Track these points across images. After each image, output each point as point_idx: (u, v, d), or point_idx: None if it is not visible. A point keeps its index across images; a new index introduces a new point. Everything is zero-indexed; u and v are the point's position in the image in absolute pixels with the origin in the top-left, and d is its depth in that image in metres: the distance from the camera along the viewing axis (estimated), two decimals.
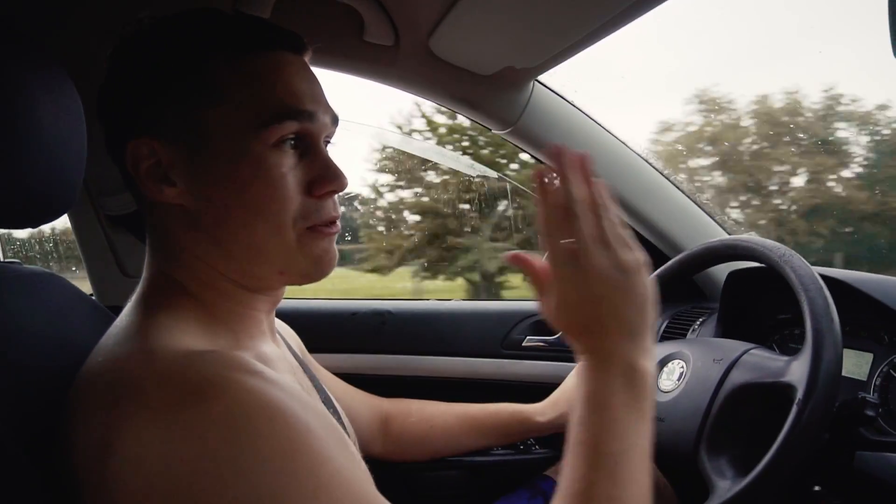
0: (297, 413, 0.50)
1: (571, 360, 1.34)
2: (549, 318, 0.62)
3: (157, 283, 0.64)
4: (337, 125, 0.67)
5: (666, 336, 1.27)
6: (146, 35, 0.62)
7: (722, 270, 1.15)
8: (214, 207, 0.61)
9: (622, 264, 0.57)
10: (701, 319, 1.24)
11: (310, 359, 0.95)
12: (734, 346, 0.87)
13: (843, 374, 0.96)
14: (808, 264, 0.81)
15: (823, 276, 0.83)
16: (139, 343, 0.56)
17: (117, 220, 1.30)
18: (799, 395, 0.71)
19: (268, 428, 0.48)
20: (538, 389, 1.25)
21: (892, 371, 0.91)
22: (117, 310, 0.66)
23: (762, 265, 0.88)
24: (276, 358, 0.68)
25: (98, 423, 0.51)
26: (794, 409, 0.71)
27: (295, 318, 1.03)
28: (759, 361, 0.82)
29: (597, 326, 0.58)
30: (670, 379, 0.91)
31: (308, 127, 0.62)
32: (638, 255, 0.59)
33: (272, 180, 0.60)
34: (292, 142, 0.62)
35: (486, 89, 1.12)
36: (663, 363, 0.94)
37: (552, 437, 1.33)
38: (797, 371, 0.75)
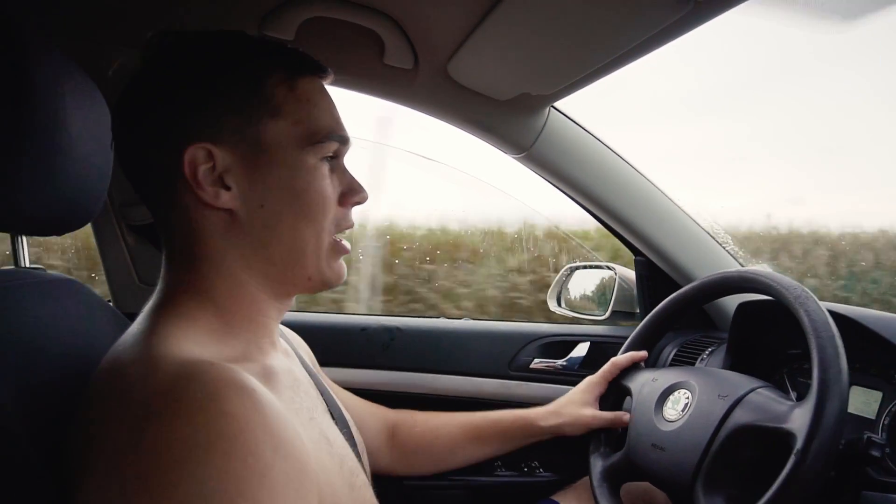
0: (260, 451, 0.50)
1: (578, 384, 1.34)
2: None
3: (172, 293, 0.66)
4: (351, 146, 0.75)
5: (675, 363, 1.27)
6: (196, 47, 0.66)
7: (733, 301, 1.14)
8: (266, 212, 0.65)
9: None
10: (710, 349, 1.24)
11: (320, 371, 0.96)
12: (740, 383, 0.87)
13: (852, 411, 0.96)
14: (823, 308, 0.80)
15: (836, 314, 0.82)
16: (143, 351, 0.58)
17: (137, 230, 1.33)
18: (798, 445, 0.71)
19: (223, 462, 0.47)
20: None
21: None
22: (134, 316, 0.67)
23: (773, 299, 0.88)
24: (281, 371, 0.69)
25: (90, 429, 0.53)
26: (792, 458, 0.71)
27: (305, 331, 1.04)
28: (763, 402, 0.82)
29: None
30: (675, 409, 0.91)
31: (341, 148, 0.71)
32: None
33: (322, 189, 0.68)
34: (328, 158, 0.69)
35: (502, 114, 1.13)
36: (670, 391, 0.94)
37: (557, 461, 1.33)
38: (799, 419, 0.74)
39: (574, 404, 1.09)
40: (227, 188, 0.64)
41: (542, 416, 1.10)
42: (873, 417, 0.93)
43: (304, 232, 0.67)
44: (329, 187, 0.69)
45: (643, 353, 1.08)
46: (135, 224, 1.32)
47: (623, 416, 1.03)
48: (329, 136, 0.68)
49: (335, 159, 0.71)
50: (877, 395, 0.94)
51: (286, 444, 0.54)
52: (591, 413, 1.06)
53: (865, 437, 0.78)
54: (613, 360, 1.09)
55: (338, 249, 0.71)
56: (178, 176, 0.63)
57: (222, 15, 0.94)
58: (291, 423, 0.56)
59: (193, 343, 0.60)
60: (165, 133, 0.64)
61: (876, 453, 0.76)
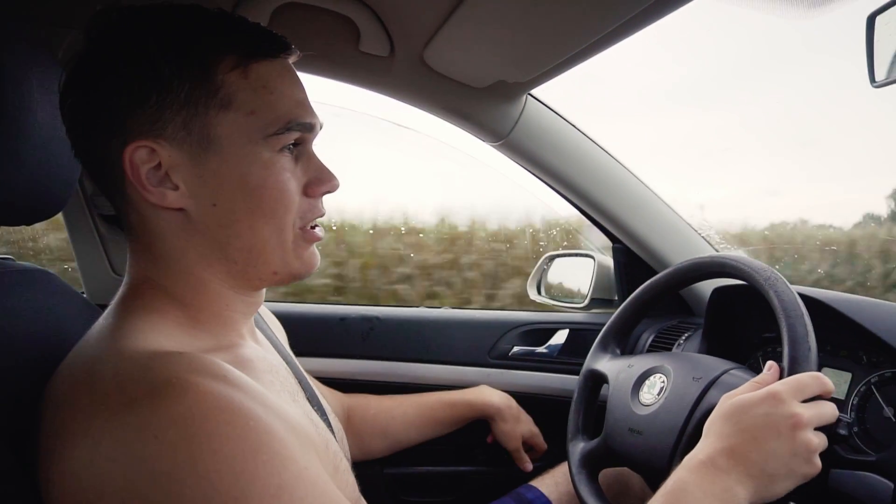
0: (258, 415, 0.51)
1: (558, 370, 1.35)
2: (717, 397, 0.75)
3: (138, 287, 0.65)
4: (321, 129, 0.70)
5: (652, 349, 1.29)
6: (139, 27, 0.60)
7: (708, 286, 1.16)
8: (219, 210, 0.62)
9: (812, 445, 0.66)
10: (686, 334, 1.25)
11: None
12: (714, 365, 0.88)
13: None
14: (792, 289, 0.81)
15: (806, 297, 0.84)
16: (110, 344, 0.57)
17: (110, 219, 1.31)
18: None
19: (227, 429, 0.48)
20: (525, 399, 1.26)
21: (870, 390, 0.93)
22: (107, 308, 0.67)
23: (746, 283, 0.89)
24: (256, 358, 0.68)
25: (58, 421, 0.52)
26: None
27: (284, 321, 1.04)
28: (736, 383, 0.83)
29: (748, 455, 0.66)
30: (650, 393, 0.92)
31: (306, 135, 0.66)
32: (823, 445, 0.68)
33: (281, 184, 0.63)
34: (291, 147, 0.64)
35: (479, 102, 1.13)
36: (646, 376, 0.95)
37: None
38: None
39: (519, 428, 1.23)
40: (176, 187, 0.60)
41: (496, 405, 1.21)
42: (843, 398, 0.95)
43: (262, 230, 0.63)
44: (290, 181, 0.64)
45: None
46: (107, 213, 1.30)
47: (528, 464, 1.24)
48: (288, 126, 0.62)
49: (300, 146, 0.66)
50: (846, 376, 0.96)
51: (276, 409, 0.55)
52: (519, 445, 1.23)
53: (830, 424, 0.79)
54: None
55: (307, 238, 0.67)
56: (124, 173, 0.59)
57: None
58: (274, 400, 0.57)
59: (161, 335, 0.59)
60: (104, 125, 0.60)
61: (843, 432, 0.78)
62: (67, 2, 0.91)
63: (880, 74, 0.71)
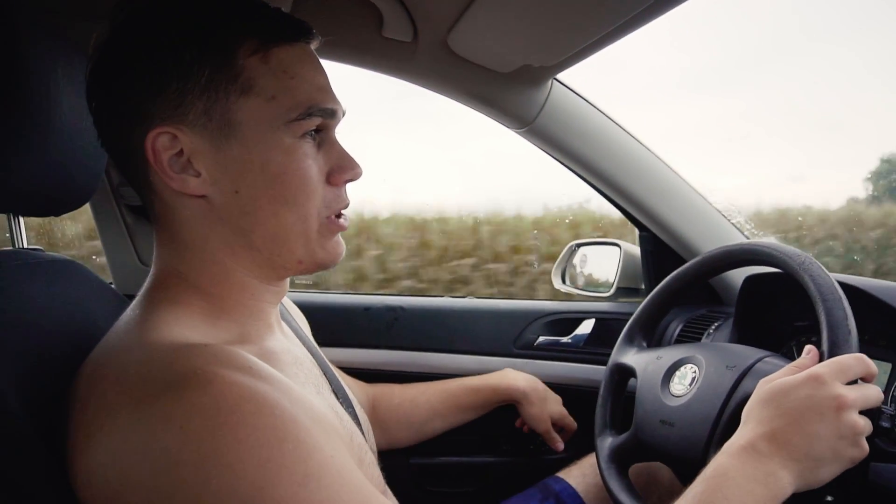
0: (283, 405, 0.51)
1: (583, 361, 1.34)
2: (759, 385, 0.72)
3: (163, 278, 0.65)
4: (344, 116, 0.69)
5: (680, 339, 1.26)
6: (160, 15, 0.60)
7: (739, 275, 1.13)
8: (241, 197, 0.61)
9: (859, 428, 0.64)
10: (716, 324, 1.23)
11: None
12: (748, 354, 0.86)
13: None
14: (828, 273, 0.79)
15: (843, 284, 0.81)
16: (135, 337, 0.57)
17: (137, 210, 1.32)
18: None
19: (253, 419, 0.48)
20: (551, 389, 1.25)
21: None
22: (134, 297, 0.67)
23: (780, 271, 0.86)
24: (281, 350, 0.68)
25: (85, 414, 0.52)
26: None
27: (308, 311, 1.03)
28: (771, 370, 0.80)
29: (791, 438, 0.64)
30: (682, 384, 0.90)
31: (327, 121, 0.65)
32: (869, 428, 0.66)
33: (303, 171, 0.62)
34: (312, 133, 0.63)
35: (504, 87, 1.11)
36: (676, 367, 0.93)
37: (563, 439, 1.32)
38: None
39: (547, 408, 1.19)
40: (198, 174, 0.60)
41: (521, 388, 1.18)
42: (882, 388, 0.92)
43: (285, 218, 0.63)
44: (312, 168, 0.63)
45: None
46: (134, 204, 1.31)
47: (559, 443, 1.20)
48: (309, 112, 0.62)
49: (323, 132, 0.66)
50: (886, 367, 0.93)
51: (301, 400, 0.55)
52: (549, 427, 1.19)
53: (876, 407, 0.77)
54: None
55: (332, 228, 0.67)
56: (147, 160, 0.59)
57: None
58: (299, 391, 0.57)
59: (187, 328, 0.59)
60: (127, 113, 0.60)
61: (886, 424, 0.76)
62: None
63: None
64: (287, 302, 0.93)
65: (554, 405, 1.21)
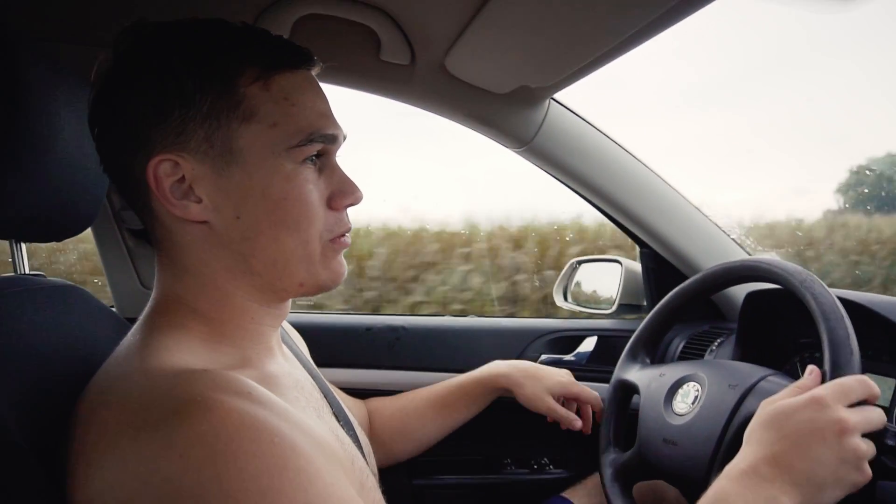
0: (282, 432, 0.51)
1: (586, 378, 1.33)
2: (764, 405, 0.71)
3: (164, 303, 0.65)
4: (345, 141, 0.69)
5: (683, 356, 1.26)
6: (163, 43, 0.60)
7: (741, 290, 1.13)
8: (243, 223, 0.61)
9: (861, 452, 0.64)
10: (719, 340, 1.22)
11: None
12: (750, 372, 0.85)
13: None
14: (830, 291, 0.78)
15: (844, 300, 0.81)
16: (136, 363, 0.57)
17: (138, 234, 1.33)
18: None
19: (253, 446, 0.48)
20: None
21: None
22: (135, 321, 0.67)
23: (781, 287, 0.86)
24: (281, 374, 0.68)
25: (86, 440, 0.52)
26: None
27: (309, 332, 1.03)
28: (774, 389, 0.80)
29: (793, 463, 0.64)
30: (685, 402, 0.89)
31: (329, 147, 0.65)
32: (872, 452, 0.66)
33: (304, 196, 0.63)
34: (314, 158, 0.64)
35: (502, 107, 1.12)
36: (678, 385, 0.92)
37: (568, 458, 1.31)
38: None
39: (537, 383, 1.11)
40: (200, 200, 0.61)
41: (505, 373, 1.13)
42: (887, 405, 0.91)
43: (286, 242, 0.63)
44: (313, 193, 0.63)
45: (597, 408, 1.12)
46: (135, 228, 1.32)
47: (574, 421, 1.09)
48: (310, 138, 0.62)
49: (324, 157, 0.66)
50: (890, 383, 0.92)
51: (301, 426, 0.55)
52: (548, 405, 1.10)
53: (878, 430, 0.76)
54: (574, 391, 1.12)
55: (335, 248, 0.67)
56: (148, 186, 0.60)
57: (217, 11, 0.93)
58: (299, 417, 0.56)
59: (188, 353, 0.59)
60: (130, 141, 0.60)
61: (891, 442, 0.75)
62: (95, 22, 0.93)
63: None
64: (286, 325, 0.93)
65: (553, 380, 1.12)
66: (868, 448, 0.65)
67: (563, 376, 1.13)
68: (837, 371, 0.71)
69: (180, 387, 0.51)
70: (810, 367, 0.74)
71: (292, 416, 0.55)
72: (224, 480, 0.46)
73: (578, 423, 1.10)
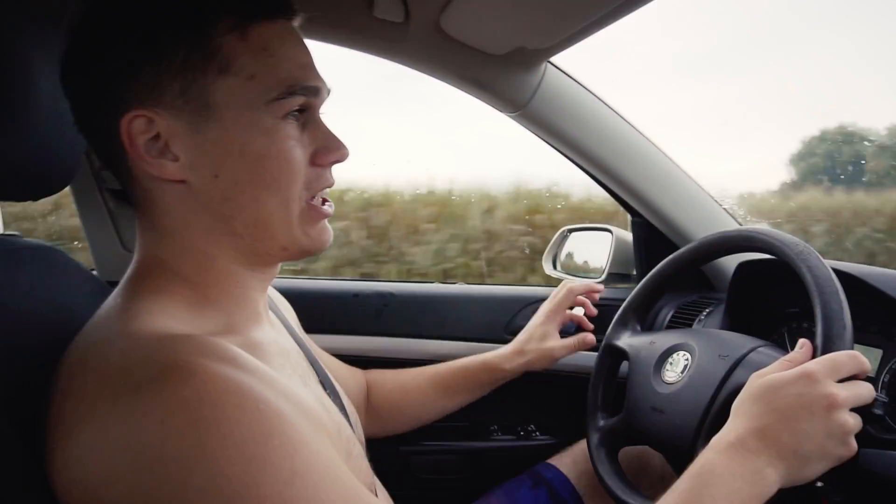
0: (268, 399, 0.49)
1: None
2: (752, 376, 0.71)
3: (146, 266, 0.63)
4: (329, 96, 0.67)
5: (672, 325, 1.26)
6: None
7: (731, 261, 1.13)
8: (222, 182, 0.59)
9: (848, 427, 0.64)
10: (708, 310, 1.22)
11: (307, 338, 0.94)
12: (741, 343, 0.86)
13: None
14: (825, 263, 0.78)
15: (837, 271, 0.81)
16: (118, 326, 0.56)
17: (119, 195, 1.29)
18: None
19: (237, 413, 0.47)
20: (542, 376, 1.24)
21: None
22: (117, 285, 0.65)
23: (774, 258, 0.86)
24: (267, 341, 0.67)
25: (65, 406, 0.51)
26: None
27: (296, 298, 1.02)
28: (764, 361, 0.80)
29: (780, 436, 0.64)
30: (674, 371, 0.89)
31: (311, 100, 0.63)
32: (858, 426, 0.66)
33: (284, 152, 0.60)
34: (296, 113, 0.62)
35: (497, 70, 1.09)
36: (668, 353, 0.92)
37: (554, 425, 1.32)
38: None
39: (536, 339, 1.10)
40: (176, 158, 0.58)
41: (507, 357, 1.10)
42: (874, 375, 0.92)
43: (266, 202, 0.61)
44: (295, 149, 0.61)
45: (600, 287, 1.13)
46: (116, 188, 1.28)
47: (586, 336, 1.08)
48: (291, 91, 0.59)
49: (306, 112, 0.63)
50: (877, 353, 0.93)
51: (287, 393, 0.54)
52: (557, 344, 1.09)
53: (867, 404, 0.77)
54: (570, 287, 1.11)
55: (314, 215, 0.65)
56: (123, 146, 0.57)
57: None
58: (285, 384, 0.55)
59: (170, 317, 0.57)
60: (102, 97, 0.58)
61: (878, 411, 0.76)
62: None
63: None
64: (272, 292, 0.91)
65: (541, 321, 1.13)
66: (855, 423, 0.65)
67: (540, 314, 1.13)
68: (829, 344, 0.71)
69: (162, 351, 0.50)
70: (802, 341, 0.74)
71: (278, 383, 0.54)
72: (207, 447, 0.45)
73: (590, 337, 1.11)
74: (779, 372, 0.69)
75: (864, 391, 0.67)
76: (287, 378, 0.61)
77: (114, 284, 0.66)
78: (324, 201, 0.66)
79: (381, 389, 1.11)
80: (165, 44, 0.56)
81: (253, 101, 0.58)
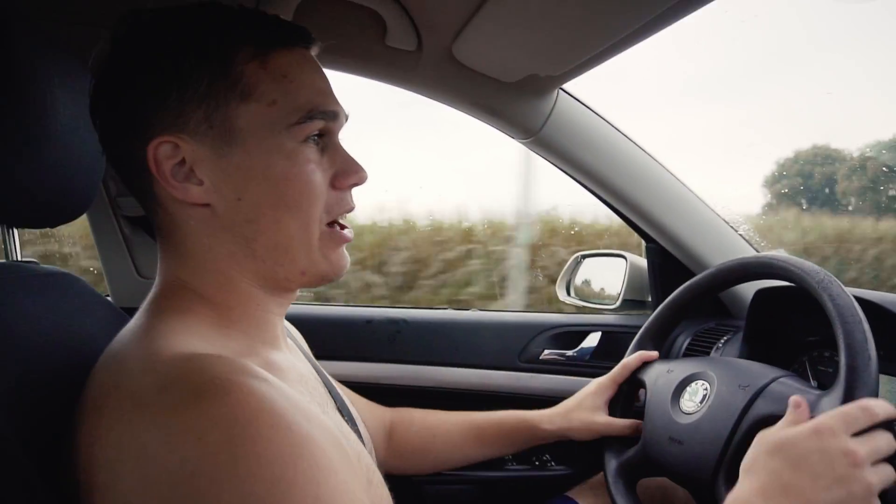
0: (300, 422, 0.50)
1: (589, 374, 1.31)
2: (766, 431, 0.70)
3: (169, 288, 0.64)
4: (347, 121, 0.68)
5: (689, 353, 1.24)
6: (159, 27, 0.60)
7: (749, 288, 1.11)
8: (244, 205, 0.61)
9: (872, 487, 0.62)
10: (725, 338, 1.20)
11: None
12: (762, 372, 0.83)
13: None
14: (847, 292, 0.76)
15: (858, 299, 0.79)
16: (145, 346, 0.56)
17: (135, 221, 1.31)
18: None
19: (269, 432, 0.47)
20: (554, 404, 1.23)
21: None
22: (133, 311, 0.65)
23: (793, 285, 0.84)
24: (286, 367, 0.67)
25: (100, 425, 0.51)
26: None
27: (310, 324, 1.02)
28: (787, 392, 0.78)
29: (804, 492, 0.62)
30: (693, 401, 0.87)
31: (330, 125, 0.64)
32: (887, 481, 0.63)
33: (306, 175, 0.62)
34: (316, 138, 0.63)
35: (509, 97, 1.10)
36: (686, 382, 0.90)
37: (570, 454, 1.30)
38: (827, 408, 0.70)
39: (584, 409, 1.02)
40: (201, 182, 0.60)
41: (548, 419, 1.04)
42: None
43: (287, 224, 0.62)
44: (316, 172, 0.63)
45: (654, 354, 1.02)
46: (132, 216, 1.29)
47: (638, 424, 0.97)
48: (311, 115, 0.61)
49: (326, 137, 0.65)
50: None
51: (315, 418, 0.54)
52: (604, 420, 1.00)
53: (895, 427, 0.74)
54: (624, 362, 1.03)
55: (334, 239, 0.66)
56: (150, 171, 0.59)
57: None
58: (310, 407, 0.55)
59: (197, 337, 0.58)
60: (130, 126, 0.60)
61: None
62: (91, 3, 0.91)
63: None
64: (286, 323, 0.91)
65: (594, 390, 1.03)
66: (878, 480, 0.63)
67: (592, 385, 1.03)
68: (853, 376, 0.69)
69: (196, 371, 0.50)
70: (795, 400, 0.71)
71: (304, 406, 0.54)
72: (239, 464, 0.45)
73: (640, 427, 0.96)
74: (790, 428, 0.67)
75: (883, 443, 0.65)
76: (307, 403, 0.61)
77: (128, 310, 0.66)
78: (342, 227, 0.67)
79: (407, 429, 1.07)
80: (189, 73, 0.58)
81: (274, 125, 0.60)
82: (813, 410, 0.73)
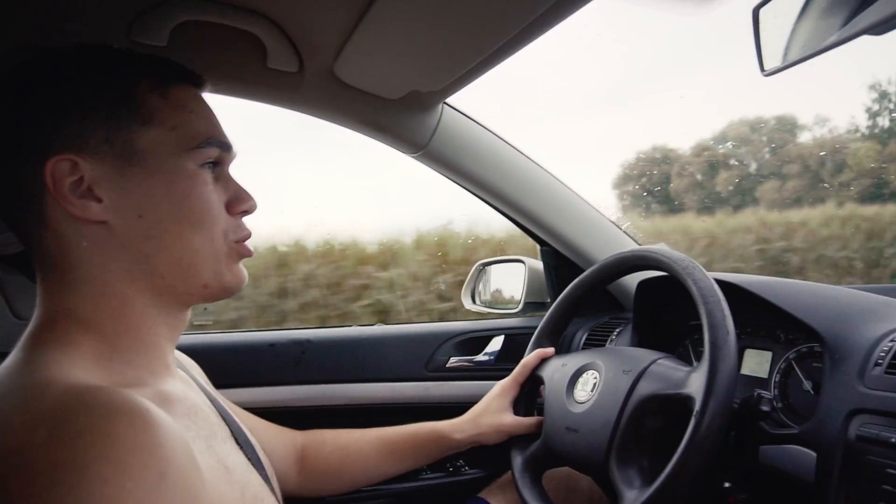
0: (143, 478, 0.48)
1: (495, 378, 1.35)
2: None
3: (50, 319, 0.61)
4: (235, 157, 0.73)
5: (586, 346, 1.30)
6: (63, 55, 0.63)
7: (635, 281, 1.19)
8: (145, 222, 0.62)
9: None
10: (618, 330, 1.28)
11: (219, 395, 0.90)
12: (643, 357, 0.90)
13: (746, 372, 1.01)
14: (709, 276, 0.84)
15: (722, 282, 0.87)
16: (21, 380, 0.54)
17: (7, 261, 1.22)
18: (696, 406, 0.74)
19: (98, 487, 0.45)
20: (464, 410, 1.25)
21: (790, 366, 0.97)
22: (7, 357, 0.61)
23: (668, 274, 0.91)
24: (177, 398, 0.65)
25: None
26: (693, 419, 0.74)
27: (210, 353, 0.99)
28: (663, 372, 0.85)
29: None
30: (584, 390, 0.92)
31: (223, 155, 0.69)
32: None
33: (206, 194, 0.65)
34: (210, 165, 0.67)
35: (395, 113, 1.12)
36: (579, 374, 0.95)
37: (483, 457, 1.32)
38: (695, 382, 0.77)
39: (491, 413, 1.06)
40: (100, 200, 0.60)
41: (459, 428, 1.06)
42: (766, 376, 0.99)
43: (192, 240, 0.64)
44: (213, 194, 0.66)
45: (550, 350, 1.08)
46: (3, 254, 1.20)
47: (542, 420, 1.01)
48: (209, 142, 0.66)
49: (218, 167, 0.69)
50: (767, 356, 1.00)
51: (176, 470, 0.51)
52: (511, 421, 1.04)
53: (756, 393, 0.82)
54: (523, 362, 1.08)
55: (240, 251, 0.69)
56: (44, 190, 0.59)
57: (89, 22, 0.87)
58: (186, 448, 0.53)
59: (79, 369, 0.56)
60: (24, 146, 0.60)
61: (765, 408, 0.81)
62: None
63: (769, 64, 0.75)
64: (178, 354, 0.88)
65: (497, 394, 1.07)
66: None
67: (496, 389, 1.08)
68: (716, 350, 0.76)
69: (69, 403, 0.49)
70: None
71: (175, 447, 0.52)
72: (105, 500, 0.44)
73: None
74: None
75: None
76: (191, 441, 0.59)
77: (5, 356, 0.62)
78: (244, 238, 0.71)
79: (319, 451, 1.05)
80: (92, 96, 0.61)
81: (176, 147, 0.64)
82: (685, 386, 0.79)
